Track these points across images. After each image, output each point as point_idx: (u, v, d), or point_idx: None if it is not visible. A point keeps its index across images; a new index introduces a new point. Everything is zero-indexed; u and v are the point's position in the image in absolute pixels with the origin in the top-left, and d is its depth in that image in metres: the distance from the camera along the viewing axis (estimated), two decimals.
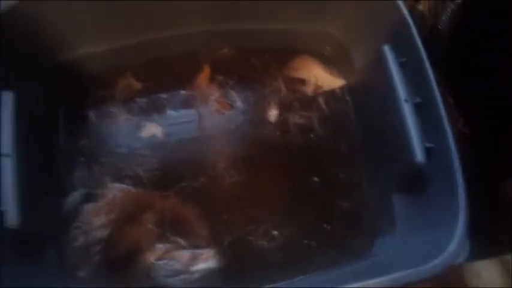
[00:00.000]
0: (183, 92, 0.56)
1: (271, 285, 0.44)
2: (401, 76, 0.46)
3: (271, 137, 0.54)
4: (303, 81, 0.57)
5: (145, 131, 0.53)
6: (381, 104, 0.49)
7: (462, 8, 0.50)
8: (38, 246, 0.45)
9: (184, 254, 0.48)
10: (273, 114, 0.55)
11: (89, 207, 0.49)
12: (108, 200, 0.50)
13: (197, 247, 0.48)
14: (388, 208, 0.47)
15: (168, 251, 0.48)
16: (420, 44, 0.45)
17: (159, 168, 0.51)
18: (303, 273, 0.46)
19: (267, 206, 0.50)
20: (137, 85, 0.55)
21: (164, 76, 0.56)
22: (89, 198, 0.50)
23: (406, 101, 0.45)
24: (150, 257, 0.47)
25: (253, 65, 0.57)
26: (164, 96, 0.55)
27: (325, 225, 0.49)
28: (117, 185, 0.50)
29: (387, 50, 0.47)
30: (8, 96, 0.42)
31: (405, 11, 0.47)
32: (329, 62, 0.57)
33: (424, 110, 0.45)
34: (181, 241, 0.48)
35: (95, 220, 0.49)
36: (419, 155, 0.43)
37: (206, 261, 0.47)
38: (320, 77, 0.57)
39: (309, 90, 0.56)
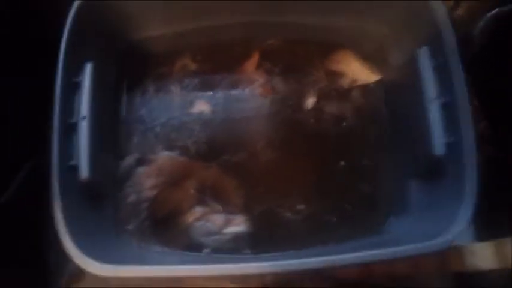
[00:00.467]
0: (232, 75, 0.61)
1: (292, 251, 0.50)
2: (433, 77, 0.49)
3: (306, 122, 0.59)
4: (341, 74, 0.61)
5: (196, 107, 0.60)
6: (411, 100, 0.52)
7: (496, 20, 0.53)
8: (99, 199, 0.51)
9: (219, 218, 0.54)
10: (310, 101, 0.60)
11: (142, 170, 0.56)
12: (158, 165, 0.56)
13: (231, 213, 0.54)
14: (403, 191, 0.52)
15: (205, 213, 0.54)
16: (456, 47, 0.48)
17: (205, 141, 0.58)
18: (322, 244, 0.51)
19: (297, 183, 0.55)
20: (193, 65, 0.61)
21: (217, 59, 0.61)
22: (142, 162, 0.56)
23: (434, 99, 0.49)
24: (190, 218, 0.54)
25: (297, 56, 0.62)
26: (215, 77, 0.61)
27: (345, 204, 0.54)
28: (167, 153, 0.57)
29: (422, 53, 0.51)
30: (89, 67, 0.50)
31: (444, 14, 0.50)
32: (367, 57, 0.61)
33: (450, 109, 0.48)
34: (218, 206, 0.55)
35: (146, 181, 0.56)
36: (438, 148, 0.47)
37: (237, 225, 0.53)
38: (357, 71, 0.60)
39: (346, 82, 0.60)
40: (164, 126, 0.59)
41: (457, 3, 0.60)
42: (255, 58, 0.62)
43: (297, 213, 0.54)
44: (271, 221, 0.54)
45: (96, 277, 0.42)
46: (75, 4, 0.50)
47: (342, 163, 0.56)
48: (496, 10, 0.53)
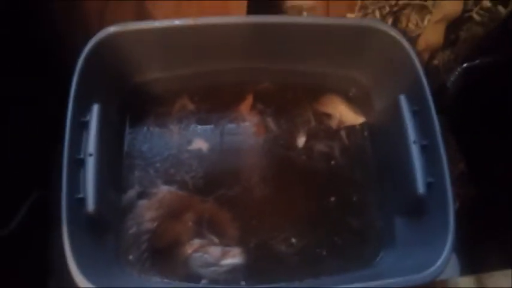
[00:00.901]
0: (228, 115, 0.65)
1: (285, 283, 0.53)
2: (412, 122, 0.55)
3: (298, 159, 0.63)
4: (329, 116, 0.66)
5: (194, 144, 0.63)
6: (394, 142, 0.57)
7: (467, 72, 0.60)
8: (103, 230, 0.54)
9: (216, 250, 0.57)
10: (301, 140, 0.64)
11: (143, 203, 0.59)
12: (158, 199, 0.59)
13: (227, 245, 0.57)
14: (391, 227, 0.56)
15: (203, 245, 0.57)
16: (429, 96, 0.54)
17: (202, 176, 0.61)
18: (313, 277, 0.55)
19: (289, 217, 0.59)
20: (191, 106, 0.65)
21: (214, 101, 0.66)
22: (143, 195, 0.59)
23: (414, 142, 0.54)
24: (188, 249, 0.57)
25: (289, 99, 0.67)
26: (212, 117, 0.65)
27: (336, 237, 0.58)
28: (167, 187, 0.60)
29: (402, 99, 0.56)
30: (96, 108, 0.54)
31: (419, 67, 0.56)
32: (352, 101, 0.66)
33: (429, 151, 0.54)
34: (215, 239, 0.58)
35: (146, 214, 0.58)
36: (421, 188, 0.52)
37: (233, 257, 0.56)
38: (344, 114, 0.65)
39: (333, 123, 0.65)
40: (164, 162, 0.62)
41: (432, 55, 0.67)
42: (249, 100, 0.66)
43: (289, 246, 0.57)
44: (266, 254, 0.57)
45: None
46: (85, 50, 0.54)
47: (332, 199, 0.60)
48: (465, 64, 0.59)
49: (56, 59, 0.65)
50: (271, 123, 0.66)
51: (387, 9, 0.72)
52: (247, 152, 0.64)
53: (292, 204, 0.60)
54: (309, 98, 0.67)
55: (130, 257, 0.56)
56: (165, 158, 0.62)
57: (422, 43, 0.68)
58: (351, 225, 0.59)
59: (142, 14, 0.72)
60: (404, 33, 0.68)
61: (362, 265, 0.56)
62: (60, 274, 0.48)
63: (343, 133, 0.65)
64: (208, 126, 0.65)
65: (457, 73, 0.60)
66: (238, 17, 0.65)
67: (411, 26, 0.72)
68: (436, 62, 0.68)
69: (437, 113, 0.53)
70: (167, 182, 0.61)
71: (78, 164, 0.52)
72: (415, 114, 0.56)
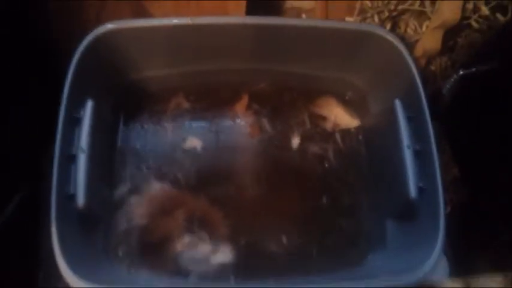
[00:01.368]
0: (223, 114, 0.65)
1: (274, 283, 0.53)
2: (407, 127, 0.55)
3: (291, 161, 0.63)
4: (324, 118, 0.66)
5: (188, 143, 0.63)
6: (388, 146, 0.57)
7: (462, 80, 0.60)
8: (93, 225, 0.54)
9: (206, 247, 0.57)
10: (295, 142, 0.64)
11: (134, 199, 0.59)
12: (150, 195, 0.59)
13: (218, 243, 0.57)
14: (381, 229, 0.56)
15: (193, 242, 0.57)
16: (425, 103, 0.54)
17: (195, 174, 0.61)
18: (303, 276, 0.55)
19: (280, 217, 0.59)
20: (186, 105, 0.65)
21: (209, 100, 0.66)
22: (134, 191, 0.59)
23: (408, 147, 0.54)
24: (178, 246, 0.57)
25: (284, 100, 0.67)
26: (207, 116, 0.65)
27: (326, 238, 0.58)
28: (159, 184, 0.60)
29: (398, 105, 0.56)
30: (89, 104, 0.54)
31: (416, 73, 0.56)
32: (348, 104, 0.66)
33: (422, 156, 0.54)
34: (205, 236, 0.57)
35: (137, 210, 0.58)
36: (412, 192, 0.52)
37: (223, 255, 0.56)
38: (339, 116, 0.65)
39: (328, 126, 0.65)
40: (157, 159, 0.62)
41: (430, 61, 0.67)
42: (244, 100, 0.66)
43: (280, 245, 0.57)
44: (255, 252, 0.57)
45: None
46: (81, 46, 0.54)
47: (324, 200, 0.60)
48: (462, 71, 0.59)
49: (52, 59, 0.65)
50: (266, 123, 0.66)
51: (386, 14, 0.72)
52: (241, 152, 0.64)
53: (284, 204, 0.60)
54: (305, 99, 0.67)
55: (120, 253, 0.56)
56: (159, 155, 0.62)
57: (419, 49, 0.68)
58: (342, 226, 0.59)
59: (140, 14, 0.72)
60: (403, 38, 0.68)
61: (351, 265, 0.56)
62: (50, 269, 0.47)
63: (337, 136, 0.65)
64: (203, 125, 0.65)
65: (453, 80, 0.60)
66: (236, 17, 0.66)
67: (410, 31, 0.72)
68: (433, 68, 0.68)
69: (433, 118, 0.54)
70: (159, 178, 0.61)
71: (69, 159, 0.52)
72: (410, 119, 0.56)
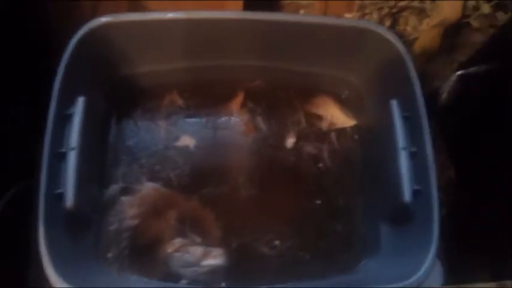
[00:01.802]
0: (217, 112, 0.64)
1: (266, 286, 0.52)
2: (403, 128, 0.53)
3: (286, 161, 0.62)
4: (320, 117, 0.65)
5: (181, 141, 0.62)
6: (383, 147, 0.56)
7: (460, 80, 0.59)
8: (82, 226, 0.53)
9: (198, 250, 0.56)
10: (290, 141, 0.63)
11: (125, 199, 0.58)
12: (141, 195, 0.58)
13: (209, 245, 0.56)
14: (375, 234, 0.55)
15: (184, 245, 0.56)
16: (422, 103, 0.53)
17: (188, 174, 0.60)
18: (295, 280, 0.54)
19: (274, 219, 0.58)
20: (180, 102, 0.64)
21: (203, 97, 0.65)
22: (126, 191, 0.58)
23: (403, 148, 0.53)
24: (169, 248, 0.56)
25: (280, 98, 0.65)
26: (201, 113, 0.64)
27: (320, 241, 0.57)
28: (151, 184, 0.59)
29: (394, 104, 0.55)
30: (80, 101, 0.52)
31: (413, 72, 0.55)
32: (345, 104, 0.65)
33: (417, 158, 0.52)
34: (197, 238, 0.57)
35: (128, 211, 0.57)
36: (407, 196, 0.51)
37: (215, 258, 0.55)
38: (335, 116, 0.64)
39: (324, 125, 0.64)
40: (150, 158, 0.61)
41: (428, 60, 0.65)
42: (239, 98, 0.65)
43: (272, 248, 0.56)
44: (247, 255, 0.56)
45: None
46: (73, 40, 0.53)
47: (318, 202, 0.59)
48: (461, 72, 0.58)
49: (49, 57, 0.64)
50: (261, 122, 0.64)
51: (386, 10, 0.71)
52: (235, 151, 0.63)
53: (277, 206, 0.59)
54: (301, 98, 0.66)
55: (110, 255, 0.55)
56: (151, 154, 0.61)
57: (418, 47, 0.67)
58: (336, 229, 0.58)
59: (137, 7, 0.71)
60: (401, 36, 0.67)
61: (345, 270, 0.55)
62: (40, 270, 0.47)
63: (333, 135, 0.64)
64: (196, 123, 0.64)
65: (452, 80, 0.59)
66: (232, 12, 0.64)
67: (409, 29, 0.71)
68: (431, 66, 0.67)
69: (429, 118, 0.52)
70: (152, 178, 0.60)
71: (59, 158, 0.50)
72: (406, 119, 0.55)
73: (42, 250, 0.45)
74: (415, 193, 0.51)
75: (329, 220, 0.58)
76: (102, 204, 0.57)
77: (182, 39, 0.60)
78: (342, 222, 0.58)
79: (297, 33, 0.59)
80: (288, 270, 0.55)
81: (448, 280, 0.52)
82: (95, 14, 0.69)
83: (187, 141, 0.62)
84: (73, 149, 0.50)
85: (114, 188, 0.58)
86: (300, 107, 0.65)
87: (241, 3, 0.71)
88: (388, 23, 0.72)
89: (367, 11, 0.73)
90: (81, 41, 0.54)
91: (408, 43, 0.67)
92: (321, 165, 0.62)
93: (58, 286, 0.44)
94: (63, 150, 0.51)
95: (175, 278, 0.54)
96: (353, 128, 0.64)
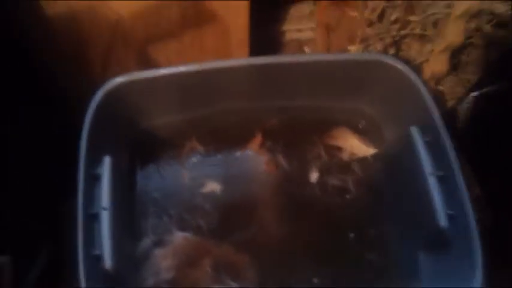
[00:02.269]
0: (238, 154, 0.65)
1: None
2: (426, 153, 0.55)
3: (312, 195, 0.62)
4: (339, 149, 0.65)
5: (206, 187, 0.63)
6: (408, 173, 0.57)
7: (478, 100, 0.60)
8: (120, 284, 0.52)
9: None
10: (313, 176, 0.64)
11: (158, 251, 0.57)
12: (173, 246, 0.58)
13: None
14: (412, 261, 0.55)
15: None
16: (442, 126, 0.54)
17: (217, 219, 0.60)
18: None
19: (308, 256, 0.58)
20: (200, 148, 0.65)
21: (223, 141, 0.65)
22: (158, 244, 0.58)
23: (431, 174, 0.54)
24: None
25: (298, 134, 0.66)
26: (222, 158, 0.65)
27: (356, 275, 0.57)
28: (182, 234, 0.59)
29: (415, 131, 0.56)
30: (107, 160, 0.53)
31: (428, 97, 0.56)
32: (363, 133, 0.66)
33: (446, 181, 0.53)
34: (233, 283, 0.56)
35: (163, 263, 0.57)
36: (442, 221, 0.51)
37: None
38: (355, 146, 0.65)
39: (345, 156, 0.65)
40: (177, 207, 0.61)
41: (437, 82, 0.67)
42: (258, 138, 0.66)
43: (311, 286, 0.56)
44: None
45: None
46: (94, 100, 0.55)
47: (351, 235, 0.59)
48: (477, 92, 0.60)
49: (62, 110, 0.65)
50: (282, 159, 0.65)
51: (388, 40, 0.73)
52: (261, 191, 0.63)
53: (309, 243, 0.59)
54: (318, 132, 0.67)
55: None
56: (178, 203, 0.61)
57: (427, 72, 0.68)
58: (372, 261, 0.58)
59: (144, 58, 0.72)
60: (408, 62, 0.68)
61: None
62: None
63: (355, 165, 0.64)
64: (219, 167, 0.64)
65: (467, 101, 0.61)
66: (242, 59, 0.66)
67: (413, 53, 0.73)
68: (441, 87, 0.68)
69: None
70: (182, 228, 0.59)
71: (92, 219, 0.51)
72: (428, 144, 0.55)
73: None
74: (450, 217, 0.51)
75: (364, 252, 0.58)
76: (136, 259, 0.57)
77: (196, 89, 0.61)
78: (378, 252, 0.58)
79: (307, 71, 0.61)
80: None
81: None
82: (105, 60, 0.71)
83: (213, 186, 0.63)
84: (105, 209, 0.51)
85: (146, 242, 0.58)
86: (318, 141, 0.66)
87: (245, 41, 0.73)
88: (392, 51, 0.74)
89: (370, 42, 0.75)
90: (100, 103, 0.55)
91: (416, 69, 0.68)
92: (348, 196, 0.62)
93: None
94: (95, 211, 0.51)
95: None
96: (374, 156, 0.65)
